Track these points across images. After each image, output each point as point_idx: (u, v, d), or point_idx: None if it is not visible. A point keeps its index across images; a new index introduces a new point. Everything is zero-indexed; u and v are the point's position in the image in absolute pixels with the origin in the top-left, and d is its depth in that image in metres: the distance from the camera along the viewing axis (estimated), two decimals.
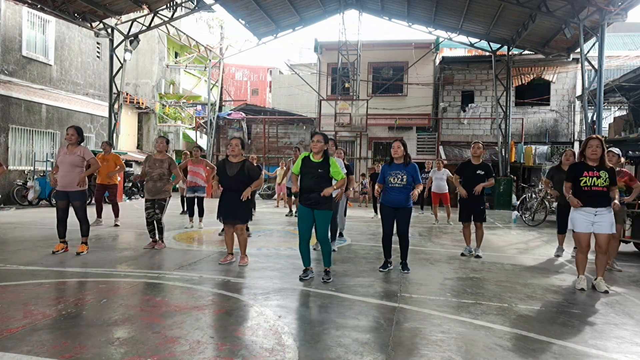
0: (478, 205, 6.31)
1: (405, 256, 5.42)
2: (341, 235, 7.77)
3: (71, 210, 5.94)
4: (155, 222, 6.45)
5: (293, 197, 11.61)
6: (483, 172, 6.24)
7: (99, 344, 2.98)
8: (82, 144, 5.97)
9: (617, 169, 5.72)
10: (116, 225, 8.74)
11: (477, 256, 6.34)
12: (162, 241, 6.56)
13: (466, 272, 5.47)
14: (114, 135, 15.26)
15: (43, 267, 5.09)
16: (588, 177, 4.63)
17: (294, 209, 11.60)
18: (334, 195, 5.03)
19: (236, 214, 5.37)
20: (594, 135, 4.88)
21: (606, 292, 4.64)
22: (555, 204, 6.91)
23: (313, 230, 4.87)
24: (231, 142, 5.40)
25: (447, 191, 10.57)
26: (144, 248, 6.45)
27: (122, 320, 3.43)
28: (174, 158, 6.64)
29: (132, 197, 16.69)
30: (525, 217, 11.28)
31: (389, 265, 5.45)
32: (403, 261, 5.42)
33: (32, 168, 14.12)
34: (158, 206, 6.42)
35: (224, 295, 4.22)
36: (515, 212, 11.80)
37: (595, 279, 4.78)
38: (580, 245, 4.81)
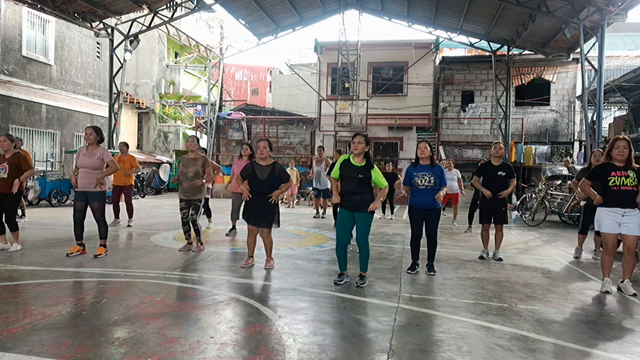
0: (500, 207, 6.20)
1: (433, 257, 5.36)
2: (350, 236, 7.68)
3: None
4: (190, 223, 6.32)
5: (321, 199, 11.26)
6: (504, 173, 6.13)
7: (99, 344, 2.98)
8: (101, 144, 5.91)
9: None
10: (129, 225, 8.71)
11: (499, 259, 6.23)
12: (201, 243, 6.40)
13: (466, 272, 5.47)
14: (114, 135, 15.27)
15: (43, 267, 5.09)
16: (617, 177, 4.56)
17: (320, 211, 11.34)
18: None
19: (265, 217, 5.24)
20: (620, 136, 4.77)
21: (634, 295, 4.52)
22: (582, 203, 6.83)
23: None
24: (259, 144, 5.25)
25: (457, 191, 10.47)
26: (179, 250, 6.31)
27: (122, 320, 3.43)
28: (207, 157, 6.50)
29: (133, 197, 16.68)
30: (525, 217, 11.28)
31: (416, 266, 5.38)
32: (430, 262, 5.35)
33: None
34: (193, 207, 6.28)
35: (224, 295, 4.22)
36: (515, 212, 11.80)
37: (622, 282, 4.68)
38: (606, 246, 4.71)
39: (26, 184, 12.87)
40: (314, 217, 11.17)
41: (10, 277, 4.63)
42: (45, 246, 6.37)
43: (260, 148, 5.23)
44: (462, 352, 3.01)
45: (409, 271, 5.33)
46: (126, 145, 9.14)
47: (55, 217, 9.86)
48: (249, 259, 5.46)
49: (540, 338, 3.31)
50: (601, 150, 6.67)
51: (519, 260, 6.37)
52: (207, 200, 9.04)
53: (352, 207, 4.61)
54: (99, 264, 5.33)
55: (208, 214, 9.05)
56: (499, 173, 6.14)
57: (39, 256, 5.69)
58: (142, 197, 17.80)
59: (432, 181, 5.15)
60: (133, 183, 9.23)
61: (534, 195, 11.57)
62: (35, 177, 13.26)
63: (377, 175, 4.63)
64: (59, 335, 3.11)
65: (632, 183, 4.53)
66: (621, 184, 4.54)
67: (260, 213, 5.24)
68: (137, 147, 23.38)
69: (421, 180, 5.18)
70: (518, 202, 12.20)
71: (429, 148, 5.24)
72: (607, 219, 4.63)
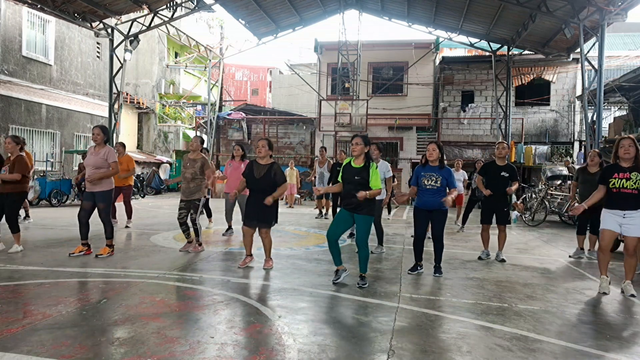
0: (502, 207, 6.17)
1: (440, 259, 5.32)
2: (353, 235, 7.67)
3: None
4: (190, 223, 6.35)
5: (323, 199, 11.33)
6: (507, 175, 6.06)
7: (99, 344, 2.98)
8: (107, 143, 5.93)
9: None
10: (127, 227, 8.58)
11: (502, 260, 6.19)
12: (200, 244, 6.38)
13: (466, 272, 5.47)
14: (114, 135, 15.26)
15: (43, 267, 5.09)
16: (617, 179, 4.54)
17: (324, 211, 11.37)
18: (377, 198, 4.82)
19: (262, 217, 5.23)
20: (625, 135, 4.74)
21: (632, 296, 4.52)
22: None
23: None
24: (258, 143, 5.27)
25: (462, 192, 10.42)
26: (180, 250, 6.30)
27: (122, 320, 3.43)
28: (207, 158, 6.50)
29: (132, 197, 16.67)
30: (525, 217, 11.28)
31: (418, 268, 5.35)
32: (437, 264, 5.32)
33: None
34: (192, 207, 6.31)
35: (224, 295, 4.22)
36: (516, 212, 11.79)
37: (624, 282, 4.68)
38: (601, 242, 4.72)
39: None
40: (316, 217, 11.19)
41: (10, 277, 4.64)
42: (45, 246, 6.37)
43: (259, 147, 5.24)
44: (462, 352, 3.01)
45: (410, 272, 5.32)
46: (123, 145, 9.02)
47: (55, 217, 9.86)
48: (247, 258, 5.45)
49: (540, 338, 3.31)
50: (597, 150, 6.67)
51: (519, 260, 6.37)
52: (207, 200, 9.07)
53: (351, 208, 4.64)
54: (99, 264, 5.34)
55: (208, 214, 9.08)
56: (502, 174, 6.06)
57: (39, 256, 5.69)
58: (142, 197, 17.80)
59: (438, 182, 5.12)
60: (132, 183, 9.15)
61: (534, 195, 11.57)
62: (35, 177, 13.27)
63: (374, 175, 4.59)
64: (59, 335, 3.11)
65: (632, 186, 4.47)
66: (621, 186, 4.51)
67: (260, 212, 5.22)
68: (137, 147, 23.37)
69: (428, 180, 5.17)
70: (519, 202, 12.20)
71: (437, 150, 5.18)
72: (610, 218, 4.64)
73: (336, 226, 4.75)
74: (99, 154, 5.75)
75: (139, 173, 18.53)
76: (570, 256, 6.68)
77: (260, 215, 5.23)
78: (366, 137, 4.72)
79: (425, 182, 5.18)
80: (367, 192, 4.47)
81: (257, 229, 5.36)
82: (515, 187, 6.06)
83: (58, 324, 3.32)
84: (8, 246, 5.95)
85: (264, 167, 5.23)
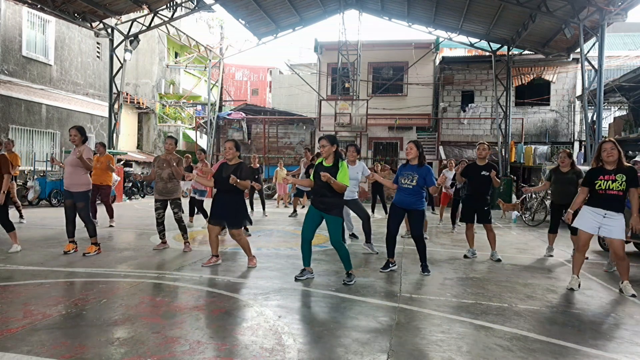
0: (482, 206, 6.21)
1: (424, 258, 5.33)
2: (354, 236, 7.68)
3: None
4: (176, 222, 6.42)
5: (300, 198, 11.65)
6: (487, 173, 6.12)
7: (99, 344, 2.98)
8: (86, 142, 5.95)
9: None
10: (111, 226, 8.59)
11: (498, 260, 6.18)
12: (188, 242, 6.42)
13: (466, 272, 5.47)
14: (114, 135, 15.26)
15: (43, 267, 5.09)
16: (603, 181, 4.56)
17: (298, 209, 11.57)
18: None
19: (229, 217, 5.26)
20: (606, 139, 4.77)
21: (634, 295, 4.50)
22: (548, 203, 6.88)
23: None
24: (225, 145, 5.34)
25: (450, 192, 10.38)
26: (154, 249, 6.36)
27: (122, 320, 3.43)
28: (181, 158, 6.56)
29: (132, 197, 16.68)
30: (525, 217, 11.28)
31: (390, 265, 5.39)
32: (422, 263, 5.32)
33: (32, 168, 14.13)
34: (175, 206, 6.39)
35: (224, 295, 4.22)
36: (515, 212, 11.79)
37: (622, 283, 4.68)
38: (578, 243, 4.76)
39: (25, 184, 12.91)
40: (290, 215, 11.25)
41: (10, 277, 4.64)
42: (45, 246, 6.37)
43: (227, 149, 5.31)
44: (462, 352, 3.01)
45: (382, 270, 5.33)
46: (103, 145, 8.98)
47: (55, 217, 9.85)
48: (212, 258, 5.47)
49: (540, 338, 3.31)
50: (567, 151, 6.70)
51: (519, 260, 6.37)
52: (201, 202, 9.08)
53: (322, 208, 4.71)
54: (98, 264, 5.34)
55: (204, 214, 9.05)
56: (482, 173, 6.14)
57: (38, 256, 5.70)
58: (142, 197, 17.80)
59: (414, 180, 5.14)
60: (110, 184, 9.05)
61: (534, 195, 11.56)
62: (35, 177, 13.26)
63: (343, 172, 4.62)
64: (59, 335, 3.11)
65: (618, 187, 4.51)
66: (607, 187, 4.55)
67: (226, 212, 5.25)
68: (137, 147, 23.37)
69: (405, 179, 5.22)
70: (518, 202, 12.20)
71: (415, 148, 5.23)
72: (588, 217, 4.66)
73: (307, 224, 4.82)
74: (74, 153, 5.81)
75: (139, 173, 18.52)
76: (544, 256, 6.72)
77: (230, 216, 5.26)
78: (332, 137, 4.79)
79: (403, 180, 5.24)
80: (332, 179, 4.46)
81: (224, 229, 5.40)
82: (493, 173, 6.08)
83: (58, 324, 3.32)
84: (7, 246, 5.96)
85: (231, 167, 5.29)
